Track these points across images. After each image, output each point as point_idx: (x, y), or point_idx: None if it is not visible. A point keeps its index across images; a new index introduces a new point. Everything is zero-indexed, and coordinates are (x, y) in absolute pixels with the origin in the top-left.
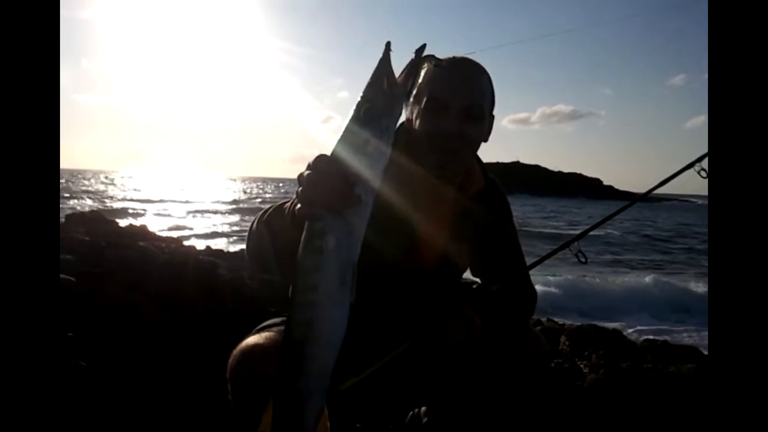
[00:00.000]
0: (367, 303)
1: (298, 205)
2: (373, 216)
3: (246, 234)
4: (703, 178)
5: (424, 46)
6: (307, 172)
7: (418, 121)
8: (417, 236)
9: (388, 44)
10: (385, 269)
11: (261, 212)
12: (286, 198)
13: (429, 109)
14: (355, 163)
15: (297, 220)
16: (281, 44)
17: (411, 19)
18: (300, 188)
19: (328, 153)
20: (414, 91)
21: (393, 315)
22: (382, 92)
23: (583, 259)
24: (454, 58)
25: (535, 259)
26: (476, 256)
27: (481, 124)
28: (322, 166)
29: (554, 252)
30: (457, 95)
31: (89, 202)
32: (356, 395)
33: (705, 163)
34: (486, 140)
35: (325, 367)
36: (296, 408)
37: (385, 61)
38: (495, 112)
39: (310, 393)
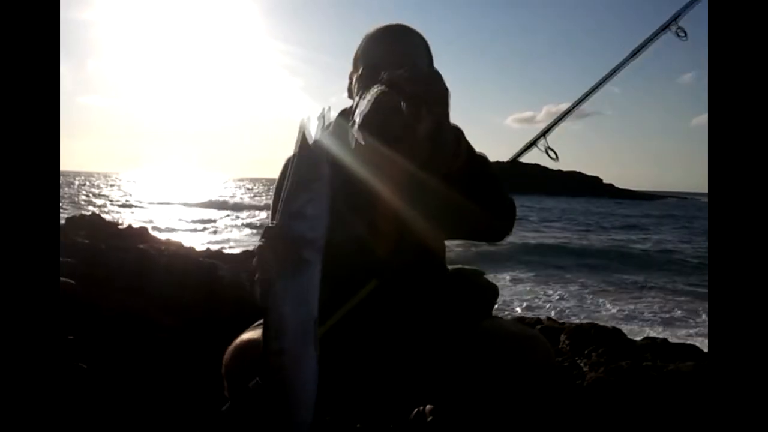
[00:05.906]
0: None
1: (256, 274)
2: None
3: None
4: (681, 38)
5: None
6: (259, 242)
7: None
8: (376, 206)
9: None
10: (349, 243)
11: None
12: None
13: (365, 77)
14: (298, 228)
15: (259, 287)
16: (284, 47)
17: (415, 19)
18: (255, 258)
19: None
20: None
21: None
22: (306, 163)
23: (552, 155)
24: (385, 26)
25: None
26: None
27: None
28: (270, 234)
29: (524, 149)
30: (389, 58)
31: (90, 205)
32: (340, 350)
33: (681, 21)
34: None
35: (304, 416)
36: None
37: (304, 139)
38: (498, 112)
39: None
